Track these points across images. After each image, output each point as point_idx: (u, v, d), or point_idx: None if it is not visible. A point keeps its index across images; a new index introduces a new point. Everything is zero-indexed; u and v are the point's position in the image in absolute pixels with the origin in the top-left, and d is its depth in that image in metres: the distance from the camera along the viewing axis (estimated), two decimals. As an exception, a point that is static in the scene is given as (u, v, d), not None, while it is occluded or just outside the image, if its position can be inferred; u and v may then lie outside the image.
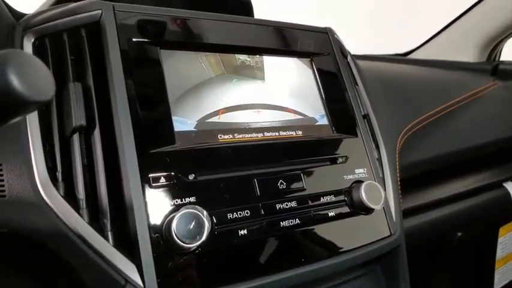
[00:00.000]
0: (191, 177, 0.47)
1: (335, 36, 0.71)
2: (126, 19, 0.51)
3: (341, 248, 0.54)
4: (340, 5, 1.86)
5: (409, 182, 0.82)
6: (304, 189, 0.54)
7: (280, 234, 0.51)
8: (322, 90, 0.64)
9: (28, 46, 0.50)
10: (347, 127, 0.64)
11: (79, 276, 0.45)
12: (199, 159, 0.49)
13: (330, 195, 0.56)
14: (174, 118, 0.50)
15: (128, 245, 0.43)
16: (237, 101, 0.56)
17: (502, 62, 1.33)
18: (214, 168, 0.50)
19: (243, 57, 0.60)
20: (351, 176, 0.59)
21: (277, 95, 0.60)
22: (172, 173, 0.46)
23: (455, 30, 1.33)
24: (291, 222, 0.52)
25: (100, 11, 0.50)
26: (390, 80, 0.95)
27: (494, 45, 1.32)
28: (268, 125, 0.57)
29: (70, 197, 0.45)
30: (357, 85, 0.71)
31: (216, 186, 0.49)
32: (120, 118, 0.46)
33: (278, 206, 0.52)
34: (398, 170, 0.70)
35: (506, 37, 1.30)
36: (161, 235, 0.43)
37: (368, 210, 0.58)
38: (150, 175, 0.45)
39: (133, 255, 0.43)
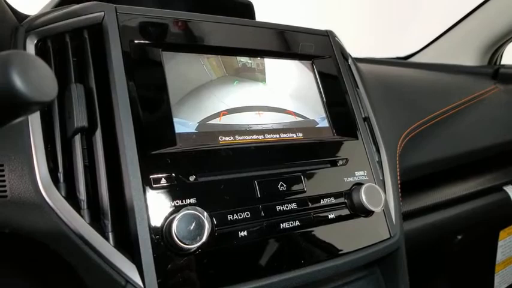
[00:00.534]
0: (192, 178, 0.48)
1: (336, 39, 0.71)
2: (128, 21, 0.51)
3: (341, 250, 0.54)
4: (341, 8, 1.86)
5: (409, 184, 0.82)
6: (305, 191, 0.54)
7: (280, 236, 0.51)
8: (323, 93, 0.64)
9: (31, 47, 0.50)
10: (348, 130, 0.64)
11: (80, 277, 0.45)
12: (199, 160, 0.49)
13: (330, 198, 0.56)
14: (175, 120, 0.50)
15: (128, 245, 0.44)
16: (238, 103, 0.57)
17: (503, 65, 1.33)
18: (214, 170, 0.50)
19: (244, 59, 0.60)
20: (351, 179, 0.59)
21: (278, 97, 0.60)
22: (173, 175, 0.46)
23: (456, 34, 1.33)
24: (291, 224, 0.52)
25: (102, 13, 0.51)
26: (391, 83, 0.95)
27: (495, 49, 1.32)
28: (269, 127, 0.57)
29: (71, 197, 0.45)
30: (358, 88, 0.71)
31: (217, 188, 0.49)
32: (121, 119, 0.46)
33: (278, 207, 0.52)
34: (398, 173, 0.70)
35: (507, 41, 1.30)
36: (162, 236, 0.44)
37: (368, 213, 0.58)
38: (151, 176, 0.45)
39: (133, 255, 0.43)
